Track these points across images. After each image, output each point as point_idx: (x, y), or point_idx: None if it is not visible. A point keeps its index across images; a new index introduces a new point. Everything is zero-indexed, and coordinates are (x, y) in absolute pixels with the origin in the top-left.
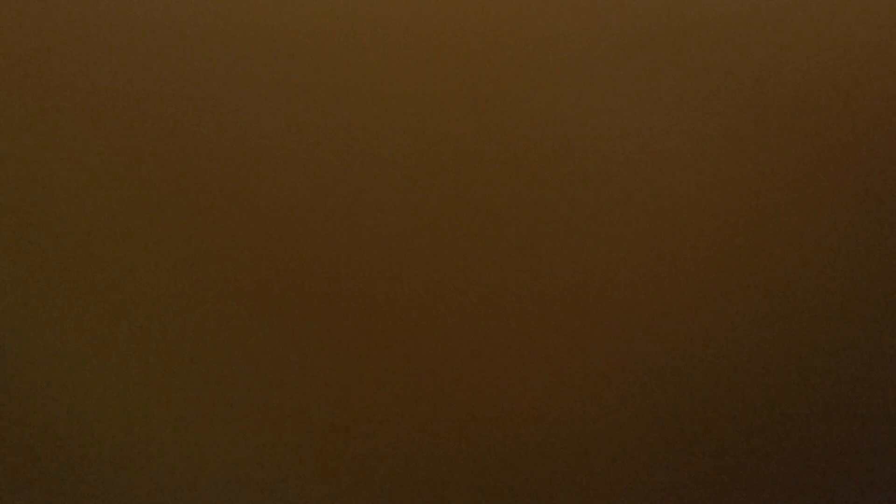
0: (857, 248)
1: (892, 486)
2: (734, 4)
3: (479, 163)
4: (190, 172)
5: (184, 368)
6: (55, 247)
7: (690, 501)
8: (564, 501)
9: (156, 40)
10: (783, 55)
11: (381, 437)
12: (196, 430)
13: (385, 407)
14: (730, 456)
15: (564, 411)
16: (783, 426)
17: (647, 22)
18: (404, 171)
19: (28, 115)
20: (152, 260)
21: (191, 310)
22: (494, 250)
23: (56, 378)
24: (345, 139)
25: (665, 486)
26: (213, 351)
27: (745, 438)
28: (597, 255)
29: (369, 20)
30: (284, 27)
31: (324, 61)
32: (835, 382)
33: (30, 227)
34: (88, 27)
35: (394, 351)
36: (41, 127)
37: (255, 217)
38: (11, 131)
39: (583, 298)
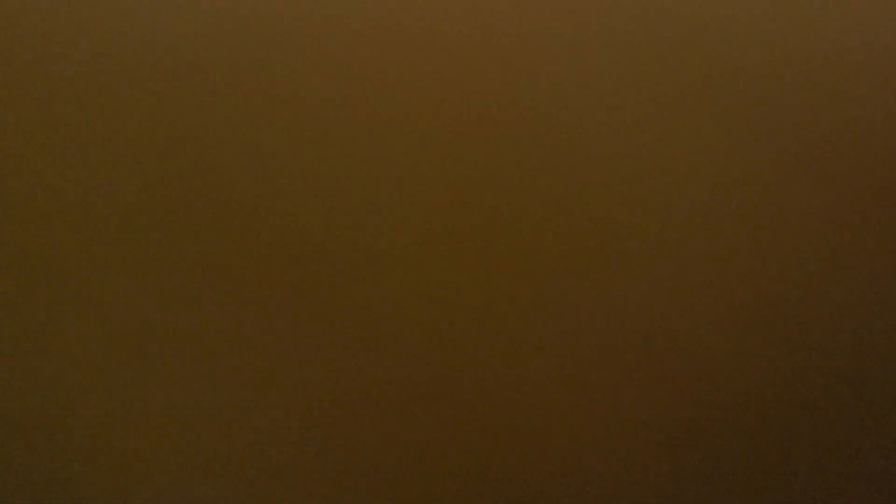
0: (857, 250)
1: (891, 486)
2: (734, 6)
3: (484, 167)
4: (192, 174)
5: (184, 369)
6: (55, 247)
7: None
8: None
9: (153, 41)
10: (785, 56)
11: (383, 440)
12: (195, 430)
13: (390, 410)
14: (732, 458)
15: (569, 416)
16: (784, 427)
17: (647, 23)
18: (404, 173)
19: (29, 117)
20: (152, 260)
21: (191, 310)
22: (496, 253)
23: (56, 378)
24: (348, 140)
25: (666, 488)
26: (212, 351)
27: (747, 440)
28: (600, 259)
29: (370, 19)
30: (282, 26)
31: (326, 60)
32: (838, 384)
33: (30, 227)
34: (84, 32)
35: (404, 356)
36: (43, 128)
37: (256, 218)
38: (11, 131)
39: (580, 299)
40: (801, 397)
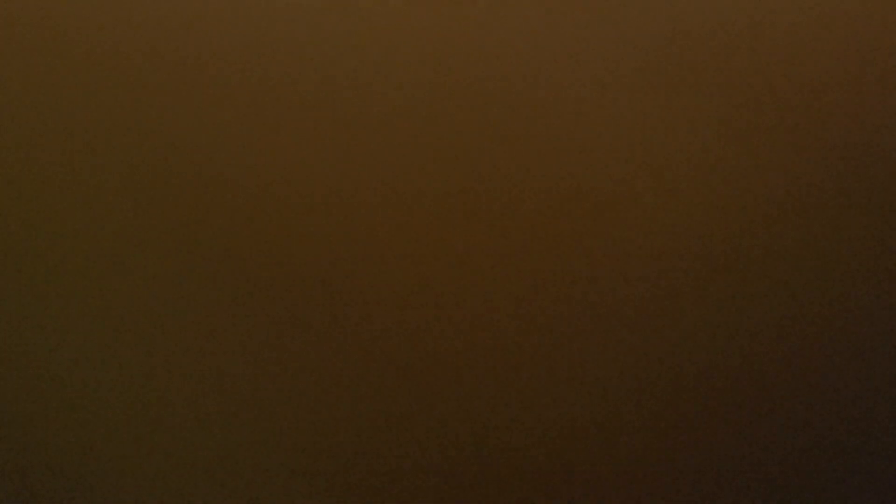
0: (857, 250)
1: (891, 486)
2: (737, 9)
3: (483, 169)
4: (192, 172)
5: (184, 369)
6: (55, 246)
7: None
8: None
9: (152, 35)
10: (787, 59)
11: (383, 439)
12: (196, 431)
13: (384, 408)
14: (729, 457)
15: (568, 414)
16: (781, 427)
17: (651, 29)
18: (407, 173)
19: (29, 116)
20: (151, 257)
21: (191, 309)
22: (496, 253)
23: (56, 378)
24: (350, 137)
25: (662, 487)
26: (213, 351)
27: (744, 439)
28: (599, 263)
29: (375, 25)
30: (282, 25)
31: (324, 55)
32: (837, 383)
33: (30, 226)
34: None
35: (393, 350)
36: (42, 127)
37: (255, 216)
38: (11, 131)
39: (587, 306)
40: (802, 399)
